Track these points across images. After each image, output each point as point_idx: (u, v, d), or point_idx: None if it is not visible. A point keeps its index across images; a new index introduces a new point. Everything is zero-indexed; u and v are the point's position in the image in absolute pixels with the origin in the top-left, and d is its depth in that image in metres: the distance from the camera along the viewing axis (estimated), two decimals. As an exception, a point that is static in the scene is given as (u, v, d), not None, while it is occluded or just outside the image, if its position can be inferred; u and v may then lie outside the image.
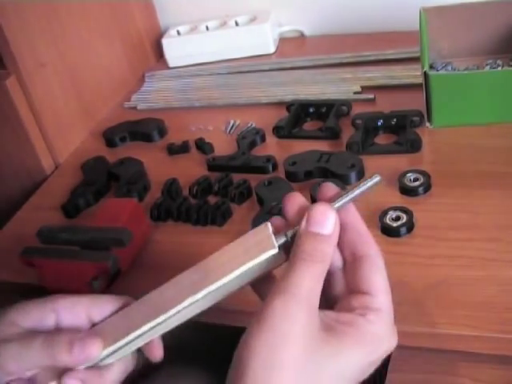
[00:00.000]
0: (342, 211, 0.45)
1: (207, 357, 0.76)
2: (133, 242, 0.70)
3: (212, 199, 0.81)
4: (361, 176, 0.80)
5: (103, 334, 0.48)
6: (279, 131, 0.92)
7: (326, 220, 0.43)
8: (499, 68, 0.92)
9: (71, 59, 1.02)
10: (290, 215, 0.46)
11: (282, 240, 0.45)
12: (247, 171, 0.85)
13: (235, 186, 0.81)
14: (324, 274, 0.43)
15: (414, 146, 0.82)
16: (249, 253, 0.45)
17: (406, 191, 0.76)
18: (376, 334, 0.44)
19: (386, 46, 1.07)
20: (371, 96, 0.97)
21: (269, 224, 0.46)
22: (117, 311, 0.49)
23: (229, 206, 0.79)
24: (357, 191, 0.46)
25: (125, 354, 0.47)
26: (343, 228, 0.45)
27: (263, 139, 0.92)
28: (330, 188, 0.47)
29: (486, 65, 0.93)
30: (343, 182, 0.78)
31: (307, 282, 0.42)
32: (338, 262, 0.47)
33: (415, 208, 0.72)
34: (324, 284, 0.44)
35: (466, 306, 0.61)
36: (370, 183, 0.47)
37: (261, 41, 1.17)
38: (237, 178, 0.83)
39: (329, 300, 0.47)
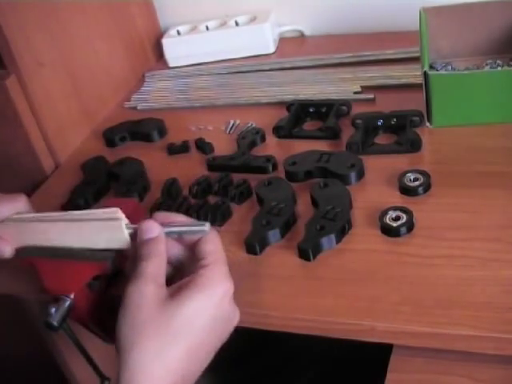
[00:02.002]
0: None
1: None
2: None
3: (212, 199, 0.81)
4: (361, 176, 0.80)
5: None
6: (279, 131, 0.92)
7: (152, 228, 0.60)
8: (499, 68, 0.92)
9: (71, 59, 1.02)
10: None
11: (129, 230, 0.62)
12: (247, 171, 0.85)
13: (235, 186, 0.81)
14: (163, 261, 0.59)
15: (414, 146, 0.82)
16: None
17: (406, 191, 0.76)
18: (208, 280, 0.56)
19: (386, 46, 1.07)
20: (371, 96, 0.97)
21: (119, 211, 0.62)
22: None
23: (229, 206, 0.79)
24: (179, 229, 0.62)
25: None
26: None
27: (263, 139, 0.92)
28: (163, 216, 0.63)
29: (486, 65, 0.93)
30: (343, 182, 0.78)
31: (150, 270, 0.57)
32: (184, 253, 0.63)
33: (415, 208, 0.72)
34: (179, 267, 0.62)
35: (466, 306, 0.61)
36: (195, 228, 0.61)
37: (261, 41, 1.17)
38: (237, 177, 0.83)
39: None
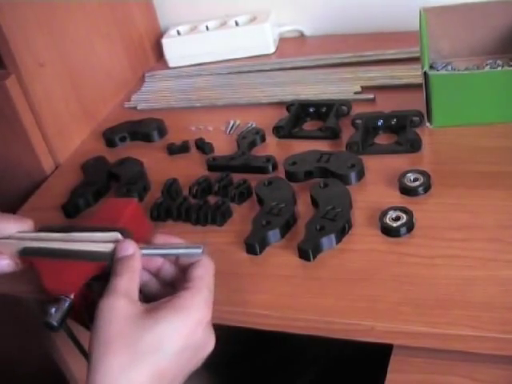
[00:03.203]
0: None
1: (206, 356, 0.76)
2: None
3: (212, 199, 0.81)
4: (361, 176, 0.80)
5: None
6: (279, 131, 0.92)
7: (127, 247, 0.61)
8: (499, 68, 0.92)
9: (71, 59, 1.02)
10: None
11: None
12: (247, 171, 0.85)
13: (235, 186, 0.81)
14: (136, 277, 0.59)
15: (414, 146, 0.82)
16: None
17: (406, 191, 0.76)
18: (185, 303, 0.56)
19: (386, 45, 1.07)
20: (371, 96, 0.97)
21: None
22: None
23: (229, 206, 0.79)
24: (175, 251, 0.62)
25: None
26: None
27: (263, 139, 0.92)
28: (163, 238, 0.64)
29: (486, 65, 0.93)
30: (343, 182, 0.78)
31: (122, 285, 0.57)
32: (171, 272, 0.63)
33: (415, 208, 0.72)
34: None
35: (466, 306, 0.61)
36: (190, 250, 0.61)
37: (261, 41, 1.17)
38: (237, 178, 0.83)
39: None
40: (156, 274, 0.63)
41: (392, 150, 0.84)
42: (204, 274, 0.59)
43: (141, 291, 0.61)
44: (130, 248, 0.61)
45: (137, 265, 0.60)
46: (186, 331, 0.55)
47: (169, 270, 0.63)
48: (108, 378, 0.52)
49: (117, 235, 0.63)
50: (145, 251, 0.62)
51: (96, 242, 0.64)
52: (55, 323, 0.63)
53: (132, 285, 0.58)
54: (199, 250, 0.60)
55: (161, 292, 0.61)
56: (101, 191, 0.88)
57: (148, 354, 0.53)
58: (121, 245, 0.61)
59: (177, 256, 0.62)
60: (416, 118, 0.86)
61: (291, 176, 0.82)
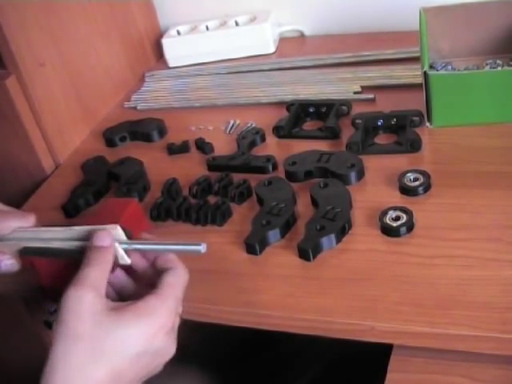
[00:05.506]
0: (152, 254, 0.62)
1: (205, 356, 0.77)
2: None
3: (212, 199, 0.81)
4: (361, 176, 0.80)
5: None
6: (279, 131, 0.92)
7: (105, 238, 0.60)
8: (499, 68, 0.92)
9: (71, 59, 1.02)
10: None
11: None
12: (247, 171, 0.85)
13: (235, 186, 0.81)
14: (107, 272, 0.58)
15: (414, 145, 0.82)
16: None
17: (406, 191, 0.76)
18: (148, 309, 0.56)
19: (386, 45, 1.07)
20: (371, 96, 0.97)
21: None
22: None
23: (229, 206, 0.79)
24: (169, 246, 0.61)
25: None
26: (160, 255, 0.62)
27: (263, 139, 0.92)
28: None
29: (486, 65, 0.93)
30: (343, 182, 0.78)
31: (93, 277, 0.56)
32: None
33: (415, 208, 0.72)
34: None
35: (466, 306, 0.61)
36: (189, 247, 0.59)
37: (261, 41, 1.17)
38: (237, 177, 0.83)
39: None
40: (134, 275, 0.63)
41: (392, 150, 0.84)
42: (175, 282, 0.59)
43: (116, 289, 0.62)
44: (106, 239, 0.60)
45: (110, 258, 0.59)
46: (146, 336, 0.55)
47: (147, 271, 0.62)
48: (66, 377, 0.53)
49: (116, 227, 0.62)
50: (142, 246, 0.62)
51: None
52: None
53: (102, 278, 0.57)
54: (199, 247, 0.59)
55: (137, 292, 0.61)
56: (101, 191, 0.88)
57: (106, 355, 0.54)
58: (98, 234, 0.60)
59: (176, 252, 0.61)
60: (416, 118, 0.86)
61: (291, 176, 0.82)
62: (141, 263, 0.63)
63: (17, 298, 0.91)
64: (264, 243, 0.73)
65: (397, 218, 0.71)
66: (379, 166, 0.81)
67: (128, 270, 0.63)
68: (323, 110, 0.94)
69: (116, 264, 0.63)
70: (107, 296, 0.58)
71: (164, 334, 0.56)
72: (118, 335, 0.54)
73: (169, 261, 0.61)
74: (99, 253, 0.59)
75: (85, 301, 0.55)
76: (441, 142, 0.84)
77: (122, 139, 1.00)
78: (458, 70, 0.93)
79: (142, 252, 0.63)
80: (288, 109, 0.96)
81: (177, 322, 0.59)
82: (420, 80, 0.83)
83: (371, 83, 1.00)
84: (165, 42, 1.20)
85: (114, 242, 0.60)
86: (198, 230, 0.78)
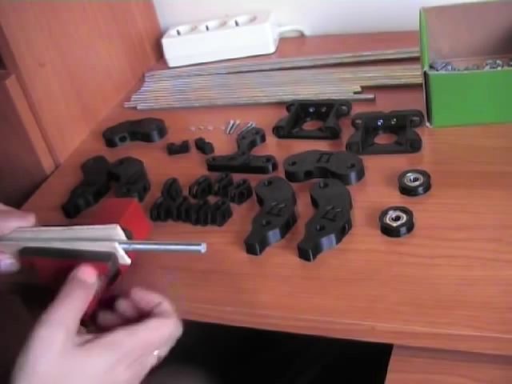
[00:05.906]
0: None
1: (205, 356, 0.76)
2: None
3: (212, 199, 0.81)
4: (361, 176, 0.80)
5: None
6: (279, 131, 0.92)
7: (91, 274, 0.58)
8: (499, 68, 0.92)
9: (71, 59, 1.02)
10: None
11: None
12: (247, 171, 0.85)
13: (235, 186, 0.81)
14: (82, 309, 0.56)
15: (414, 145, 0.82)
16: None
17: (406, 191, 0.76)
18: (111, 341, 0.55)
19: (386, 45, 1.07)
20: (371, 96, 0.97)
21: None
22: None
23: (229, 206, 0.79)
24: (170, 246, 0.60)
25: None
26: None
27: (263, 139, 0.92)
28: (137, 292, 0.62)
29: (486, 65, 0.93)
30: (343, 182, 0.78)
31: (64, 314, 0.54)
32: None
33: (415, 208, 0.72)
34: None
35: (466, 306, 0.61)
36: (189, 247, 0.58)
37: (261, 41, 1.17)
38: (237, 177, 0.83)
39: None
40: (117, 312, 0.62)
41: (392, 150, 0.84)
42: (156, 327, 0.57)
43: (95, 321, 0.61)
44: (91, 276, 0.58)
45: (90, 295, 0.58)
46: (104, 366, 0.54)
47: (127, 309, 0.62)
48: None
49: (116, 227, 0.62)
50: (142, 246, 0.62)
51: (96, 241, 0.64)
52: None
53: (76, 316, 0.56)
54: (199, 247, 0.59)
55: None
56: (101, 191, 0.88)
57: None
58: (84, 268, 0.59)
59: (176, 252, 0.61)
60: (416, 118, 0.86)
61: (291, 176, 0.82)
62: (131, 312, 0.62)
63: (16, 298, 0.91)
64: (264, 243, 0.73)
65: (397, 218, 0.71)
66: (379, 166, 0.81)
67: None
68: (323, 110, 0.94)
69: (110, 279, 0.63)
70: (82, 323, 0.57)
71: (125, 366, 0.55)
72: (80, 369, 0.53)
73: (165, 312, 0.60)
74: (79, 289, 0.57)
75: (54, 342, 0.53)
76: (441, 142, 0.84)
77: (122, 139, 1.00)
78: (458, 70, 0.93)
79: (136, 301, 0.62)
80: (288, 109, 0.96)
81: (150, 360, 0.58)
82: (420, 80, 0.83)
83: (371, 83, 1.00)
84: (165, 42, 1.20)
85: (95, 282, 0.59)
86: (198, 230, 0.78)
